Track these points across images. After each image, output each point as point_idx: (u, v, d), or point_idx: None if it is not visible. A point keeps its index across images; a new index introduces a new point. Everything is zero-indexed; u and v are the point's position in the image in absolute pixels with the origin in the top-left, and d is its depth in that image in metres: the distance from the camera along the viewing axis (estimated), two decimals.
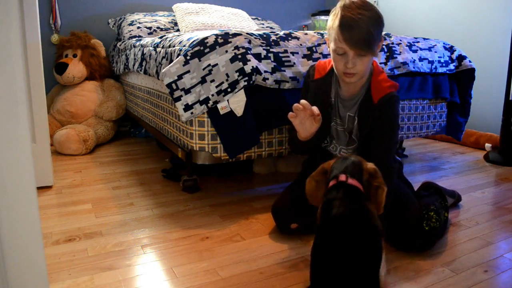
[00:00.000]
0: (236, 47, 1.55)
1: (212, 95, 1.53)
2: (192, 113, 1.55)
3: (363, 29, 1.24)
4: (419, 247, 1.30)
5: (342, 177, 1.02)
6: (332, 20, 1.31)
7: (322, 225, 1.00)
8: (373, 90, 1.38)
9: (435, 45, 2.21)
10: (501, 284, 1.13)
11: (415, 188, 1.58)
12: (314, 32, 1.84)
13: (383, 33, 1.41)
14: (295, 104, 1.27)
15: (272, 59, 1.63)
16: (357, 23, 1.24)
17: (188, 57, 1.54)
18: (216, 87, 1.53)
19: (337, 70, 1.35)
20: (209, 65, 1.53)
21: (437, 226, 1.30)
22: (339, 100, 1.44)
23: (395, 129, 1.40)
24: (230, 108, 1.56)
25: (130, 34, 2.88)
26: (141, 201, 1.74)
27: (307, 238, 1.39)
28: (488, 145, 2.59)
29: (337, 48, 1.29)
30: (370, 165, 1.08)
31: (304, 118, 1.30)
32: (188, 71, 1.53)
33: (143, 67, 2.12)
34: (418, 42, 2.14)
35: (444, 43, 2.28)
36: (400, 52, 2.00)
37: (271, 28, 3.43)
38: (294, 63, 1.66)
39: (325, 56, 1.75)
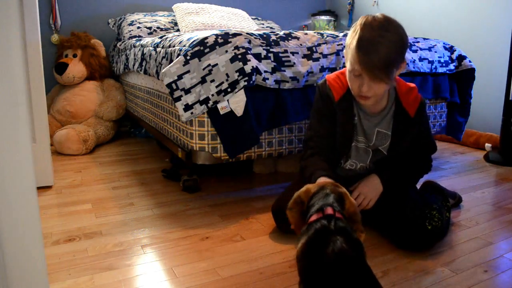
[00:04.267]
0: (236, 47, 1.55)
1: (212, 95, 1.53)
2: (192, 113, 1.55)
3: (382, 53, 1.13)
4: (420, 246, 1.30)
5: (329, 210, 0.91)
6: (350, 38, 1.21)
7: (314, 265, 0.86)
8: (405, 102, 1.31)
9: (435, 45, 2.21)
10: (501, 284, 1.13)
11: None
12: (314, 32, 1.84)
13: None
14: None
15: (272, 59, 1.63)
16: (375, 47, 1.13)
17: (188, 57, 1.54)
18: (216, 87, 1.53)
19: (352, 90, 1.28)
20: (209, 65, 1.53)
21: (439, 226, 1.30)
22: (363, 116, 1.35)
23: (430, 130, 1.43)
24: (230, 108, 1.56)
25: (130, 34, 2.88)
26: (141, 201, 1.74)
27: None
28: (488, 145, 2.59)
29: (353, 70, 1.21)
30: (351, 206, 0.97)
31: None
32: (188, 71, 1.53)
33: (143, 67, 2.12)
34: (418, 42, 2.14)
35: (444, 43, 2.28)
36: None
37: (271, 28, 3.42)
38: (294, 63, 1.66)
39: (325, 56, 1.75)
